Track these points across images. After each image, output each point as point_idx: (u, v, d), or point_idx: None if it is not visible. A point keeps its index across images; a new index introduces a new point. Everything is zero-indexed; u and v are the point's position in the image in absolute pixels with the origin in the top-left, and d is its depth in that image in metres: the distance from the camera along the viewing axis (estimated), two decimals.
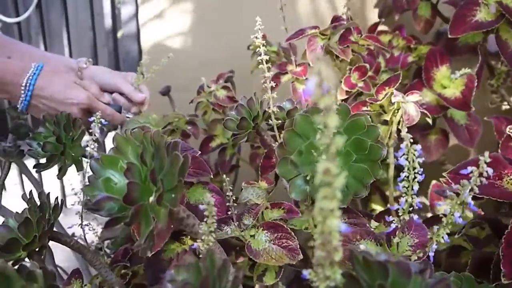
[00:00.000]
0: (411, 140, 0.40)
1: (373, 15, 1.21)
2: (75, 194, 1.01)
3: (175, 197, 0.38)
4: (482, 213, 0.70)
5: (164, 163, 0.39)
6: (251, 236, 0.55)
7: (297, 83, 0.74)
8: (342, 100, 0.90)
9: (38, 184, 0.88)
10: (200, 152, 0.68)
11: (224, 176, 0.54)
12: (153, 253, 0.49)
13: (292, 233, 0.53)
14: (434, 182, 0.91)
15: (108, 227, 0.38)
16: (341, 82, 0.72)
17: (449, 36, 0.82)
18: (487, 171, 0.37)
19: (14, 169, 1.11)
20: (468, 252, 0.64)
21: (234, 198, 0.55)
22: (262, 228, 0.56)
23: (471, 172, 0.38)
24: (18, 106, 0.77)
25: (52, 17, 1.87)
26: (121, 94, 0.85)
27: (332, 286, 0.29)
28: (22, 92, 0.74)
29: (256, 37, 0.57)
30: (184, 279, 0.28)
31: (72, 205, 0.79)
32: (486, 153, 0.37)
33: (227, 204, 0.56)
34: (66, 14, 1.56)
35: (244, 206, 0.61)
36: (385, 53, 0.85)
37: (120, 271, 0.72)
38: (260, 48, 0.56)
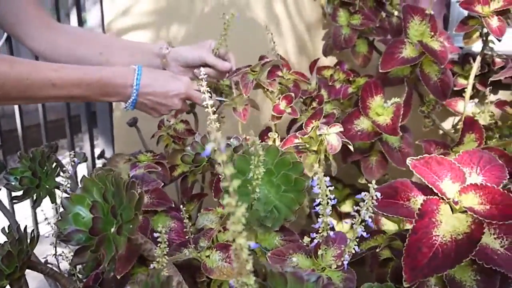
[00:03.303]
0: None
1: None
2: (48, 223, 1.08)
3: (132, 227, 0.48)
4: None
5: (123, 200, 0.48)
6: (206, 256, 0.64)
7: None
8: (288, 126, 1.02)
9: (11, 215, 0.95)
10: (163, 184, 0.77)
11: (181, 206, 0.64)
12: (121, 275, 0.58)
13: None
14: None
15: (78, 255, 0.47)
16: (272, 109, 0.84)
17: (380, 70, 0.95)
18: (376, 195, 0.48)
19: None
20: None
21: (190, 224, 0.64)
22: (215, 249, 0.64)
23: (365, 195, 0.49)
24: (125, 105, 0.84)
25: (23, 49, 1.94)
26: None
27: None
28: (134, 91, 0.81)
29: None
30: None
31: (46, 237, 0.86)
32: (373, 181, 0.48)
33: (185, 229, 0.65)
34: None
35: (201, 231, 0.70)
36: (305, 84, 0.97)
37: None
38: (205, 93, 0.66)
